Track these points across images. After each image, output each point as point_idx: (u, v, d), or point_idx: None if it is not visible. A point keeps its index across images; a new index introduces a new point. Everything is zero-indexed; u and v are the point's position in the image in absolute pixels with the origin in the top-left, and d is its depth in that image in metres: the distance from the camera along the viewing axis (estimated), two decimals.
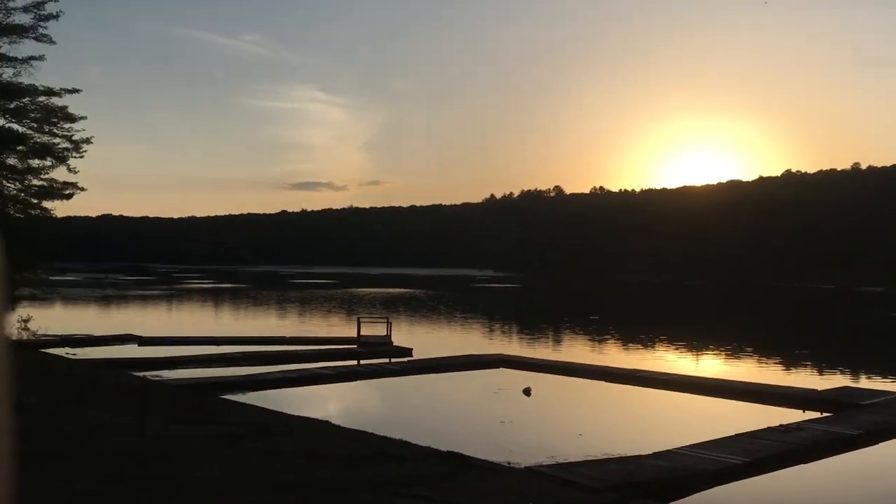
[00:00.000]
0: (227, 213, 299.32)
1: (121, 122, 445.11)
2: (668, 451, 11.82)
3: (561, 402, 18.62)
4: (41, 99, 30.15)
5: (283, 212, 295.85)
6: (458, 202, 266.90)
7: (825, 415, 15.82)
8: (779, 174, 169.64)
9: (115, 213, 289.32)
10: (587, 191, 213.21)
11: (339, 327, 36.22)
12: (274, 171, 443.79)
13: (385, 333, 29.06)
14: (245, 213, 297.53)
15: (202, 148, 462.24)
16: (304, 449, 9.61)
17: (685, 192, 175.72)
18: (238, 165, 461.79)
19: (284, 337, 30.29)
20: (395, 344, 27.74)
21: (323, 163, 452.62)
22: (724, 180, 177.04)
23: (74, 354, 24.22)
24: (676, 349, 30.70)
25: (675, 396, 18.93)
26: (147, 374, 20.25)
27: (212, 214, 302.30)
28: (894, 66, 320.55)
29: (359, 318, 30.68)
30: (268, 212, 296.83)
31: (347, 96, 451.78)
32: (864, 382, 21.73)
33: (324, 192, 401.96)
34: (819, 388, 19.26)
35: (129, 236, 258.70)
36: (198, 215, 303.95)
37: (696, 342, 33.14)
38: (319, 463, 8.74)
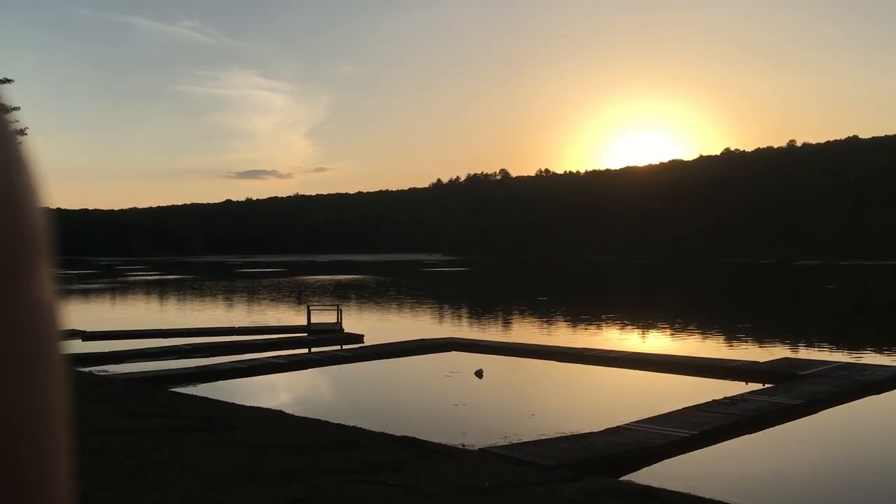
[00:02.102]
0: (170, 204, 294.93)
1: (56, 112, 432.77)
2: (618, 427, 12.11)
3: (512, 384, 18.83)
4: None
5: (228, 201, 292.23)
6: (406, 187, 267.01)
7: (767, 386, 16.33)
8: (718, 153, 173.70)
9: (53, 205, 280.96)
10: (533, 173, 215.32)
11: (289, 316, 35.93)
12: (217, 159, 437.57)
13: (335, 321, 28.95)
14: (189, 202, 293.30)
15: (142, 137, 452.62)
16: (260, 439, 9.58)
17: (629, 173, 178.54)
18: (180, 154, 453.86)
19: (234, 327, 29.93)
20: (345, 331, 27.66)
21: (267, 150, 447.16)
22: (665, 160, 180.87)
23: None
24: (623, 327, 31.25)
25: (623, 373, 19.31)
26: (93, 369, 19.82)
27: (154, 205, 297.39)
28: (824, 48, 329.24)
29: (308, 306, 30.46)
30: (212, 201, 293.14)
31: (291, 83, 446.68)
32: (803, 353, 22.43)
33: (269, 179, 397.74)
34: (760, 361, 19.87)
35: (68, 230, 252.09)
36: (139, 206, 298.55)
37: (642, 320, 33.77)
38: (276, 452, 8.73)
